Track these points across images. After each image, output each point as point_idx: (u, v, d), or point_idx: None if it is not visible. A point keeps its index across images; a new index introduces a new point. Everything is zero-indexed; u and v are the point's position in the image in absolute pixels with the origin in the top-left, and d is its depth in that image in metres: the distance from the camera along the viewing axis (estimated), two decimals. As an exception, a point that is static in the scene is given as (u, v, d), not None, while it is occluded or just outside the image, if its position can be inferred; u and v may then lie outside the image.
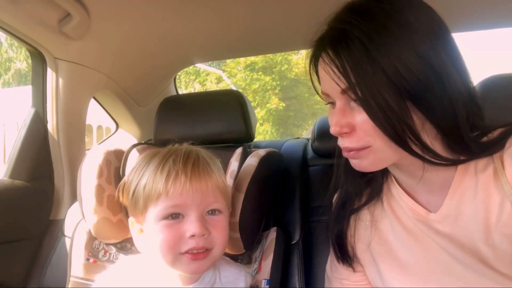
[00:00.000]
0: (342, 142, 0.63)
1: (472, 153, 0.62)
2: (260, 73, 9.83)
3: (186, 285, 0.78)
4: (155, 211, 0.73)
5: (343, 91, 0.60)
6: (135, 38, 1.24)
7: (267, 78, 9.76)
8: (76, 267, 0.95)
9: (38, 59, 1.14)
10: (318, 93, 0.69)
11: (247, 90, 9.92)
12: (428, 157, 0.60)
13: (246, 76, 9.96)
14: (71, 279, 0.94)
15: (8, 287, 1.07)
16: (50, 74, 1.15)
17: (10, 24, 0.98)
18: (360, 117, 0.60)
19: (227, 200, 0.81)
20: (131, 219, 0.80)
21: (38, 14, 0.97)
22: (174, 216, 0.73)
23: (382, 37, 0.57)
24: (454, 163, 0.63)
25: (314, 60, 0.66)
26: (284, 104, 9.83)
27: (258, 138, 8.98)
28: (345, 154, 0.65)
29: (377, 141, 0.60)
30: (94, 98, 1.40)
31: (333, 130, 0.62)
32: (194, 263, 0.72)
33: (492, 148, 0.62)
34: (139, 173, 0.78)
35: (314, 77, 0.69)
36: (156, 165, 0.76)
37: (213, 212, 0.76)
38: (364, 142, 0.61)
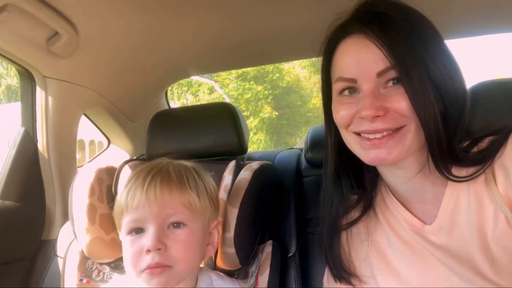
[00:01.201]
0: (374, 125, 0.62)
1: (463, 164, 0.63)
2: (252, 82, 9.87)
3: None
4: (123, 226, 0.75)
5: (380, 73, 0.61)
6: (125, 54, 1.23)
7: (259, 87, 9.80)
8: (70, 288, 0.93)
9: (27, 78, 1.13)
10: (323, 85, 0.71)
11: (239, 100, 9.95)
12: (439, 151, 0.62)
13: (238, 86, 10.00)
14: (65, 300, 0.93)
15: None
16: (40, 92, 1.14)
17: (-2, 45, 0.97)
18: (397, 98, 0.61)
19: (198, 213, 0.77)
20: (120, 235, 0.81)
21: (25, 33, 0.96)
22: (138, 231, 0.73)
23: (418, 26, 0.63)
24: (449, 176, 0.63)
25: (333, 46, 0.67)
26: (277, 113, 9.86)
27: (252, 147, 8.99)
28: (374, 142, 0.63)
29: (412, 121, 0.61)
30: (85, 114, 1.39)
31: (368, 113, 0.61)
32: (153, 279, 0.71)
33: (483, 159, 0.63)
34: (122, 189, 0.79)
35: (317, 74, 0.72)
36: (126, 181, 0.78)
37: (177, 225, 0.74)
38: (399, 121, 0.61)
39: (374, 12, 0.64)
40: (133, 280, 0.77)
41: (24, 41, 0.98)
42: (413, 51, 0.60)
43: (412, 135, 0.62)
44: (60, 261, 1.06)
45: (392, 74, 0.61)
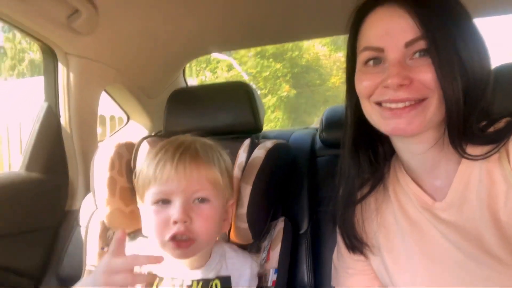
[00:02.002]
0: (398, 95, 0.62)
1: (475, 142, 0.63)
2: (270, 60, 9.75)
3: (192, 270, 0.81)
4: (148, 196, 0.79)
5: (409, 43, 0.61)
6: (143, 31, 1.25)
7: (278, 65, 9.69)
8: (91, 256, 0.98)
9: (49, 54, 1.16)
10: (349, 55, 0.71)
11: (257, 78, 9.87)
12: (457, 128, 0.62)
13: (257, 63, 9.90)
14: (87, 267, 0.98)
15: (28, 275, 1.12)
16: (61, 69, 1.18)
17: (20, 22, 1.00)
18: (421, 71, 0.61)
19: (219, 190, 0.81)
20: (139, 206, 0.86)
21: (47, 11, 0.99)
22: (164, 201, 0.77)
23: (450, 1, 0.63)
24: (463, 154, 0.63)
25: (362, 16, 0.67)
26: (295, 91, 9.76)
27: (269, 125, 8.97)
28: (396, 112, 0.63)
29: (436, 94, 0.61)
30: (105, 91, 1.42)
31: (393, 81, 0.61)
32: (178, 250, 0.76)
33: (498, 138, 0.62)
34: (144, 161, 0.84)
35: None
36: (153, 154, 0.81)
37: (201, 200, 0.78)
38: (422, 93, 0.61)
39: None
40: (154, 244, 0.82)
41: (46, 18, 1.01)
42: (444, 25, 0.60)
43: (433, 108, 0.62)
44: (82, 231, 1.10)
45: (421, 45, 0.61)
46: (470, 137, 0.63)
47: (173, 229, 0.75)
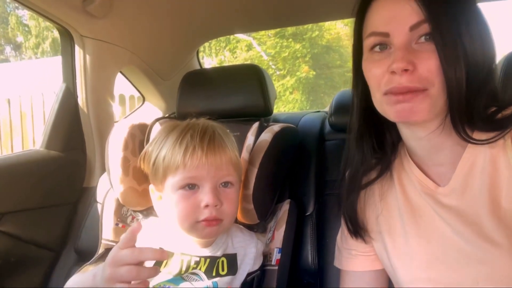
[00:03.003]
0: (400, 81, 0.62)
1: (484, 128, 0.63)
2: (290, 40, 9.58)
3: (201, 248, 0.85)
4: (173, 181, 0.80)
5: (414, 26, 0.61)
6: (157, 13, 1.26)
7: (297, 46, 9.51)
8: (107, 231, 1.02)
9: (66, 37, 1.20)
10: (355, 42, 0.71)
11: (276, 58, 9.75)
12: (458, 113, 0.62)
13: (276, 43, 9.75)
14: (103, 241, 1.03)
15: (48, 248, 1.19)
16: (78, 51, 1.21)
17: (38, 5, 1.04)
18: (425, 57, 0.60)
19: (239, 173, 0.87)
20: (151, 187, 0.88)
21: (63, -6, 1.02)
22: (191, 186, 0.80)
23: None
24: (467, 138, 0.63)
25: (368, 2, 0.67)
26: (314, 72, 9.60)
27: (287, 107, 8.90)
28: (399, 97, 0.63)
29: (436, 85, 0.61)
30: (121, 72, 1.46)
31: (398, 66, 0.61)
32: (207, 229, 0.80)
33: (504, 125, 0.62)
34: (159, 144, 0.84)
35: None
36: (175, 139, 0.82)
37: (225, 184, 0.82)
38: (424, 83, 0.61)
39: None
40: (164, 224, 0.86)
41: (62, 2, 1.04)
42: (447, 8, 0.60)
43: (435, 97, 0.62)
44: (99, 207, 1.14)
45: (425, 28, 0.60)
46: (474, 122, 0.63)
47: (205, 213, 0.78)
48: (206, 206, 0.78)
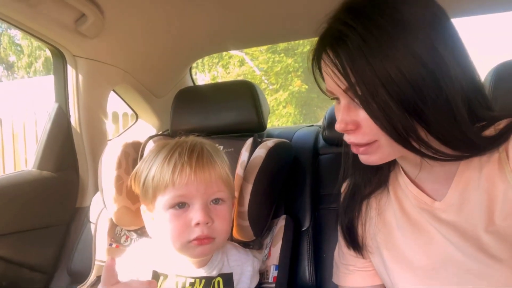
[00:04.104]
0: (348, 138, 0.64)
1: (477, 148, 0.62)
2: (282, 55, 9.69)
3: (196, 268, 0.84)
4: (163, 200, 0.79)
5: (346, 90, 0.61)
6: (149, 33, 1.27)
7: (289, 60, 9.61)
8: (101, 251, 1.01)
9: (59, 57, 1.20)
10: (322, 90, 0.70)
11: (269, 73, 9.83)
12: (431, 154, 0.60)
13: (268, 58, 9.85)
14: (96, 263, 1.01)
15: (40, 270, 1.17)
16: (70, 70, 1.21)
17: (30, 26, 1.04)
18: (364, 115, 0.60)
19: (230, 190, 0.85)
20: (143, 207, 0.86)
21: (55, 15, 1.02)
22: (181, 205, 0.78)
23: (376, 38, 0.56)
24: (457, 158, 0.63)
25: (317, 58, 0.67)
26: (306, 86, 9.67)
27: (281, 121, 8.93)
28: (354, 150, 0.66)
29: (382, 137, 0.61)
30: (114, 91, 1.46)
31: (338, 127, 0.63)
32: (199, 248, 0.78)
33: (498, 141, 0.62)
34: (148, 164, 0.83)
35: (318, 74, 0.69)
36: (163, 157, 0.81)
37: (216, 201, 0.81)
38: (369, 137, 0.62)
39: (333, 29, 0.62)
40: (157, 245, 0.84)
41: (54, 22, 1.04)
42: (368, 72, 0.56)
43: (386, 148, 0.63)
44: (92, 227, 1.13)
45: (352, 94, 0.60)
46: (468, 146, 0.62)
47: (196, 232, 0.76)
48: (197, 224, 0.76)
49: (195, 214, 0.77)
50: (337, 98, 0.66)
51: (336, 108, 0.68)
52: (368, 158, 0.66)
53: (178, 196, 0.78)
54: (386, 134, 0.59)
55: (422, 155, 0.61)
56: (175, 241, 0.78)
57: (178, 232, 0.77)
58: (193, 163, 0.78)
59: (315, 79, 0.70)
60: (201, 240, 0.77)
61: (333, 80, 0.61)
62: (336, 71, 0.59)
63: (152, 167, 0.82)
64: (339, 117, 0.63)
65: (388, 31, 0.56)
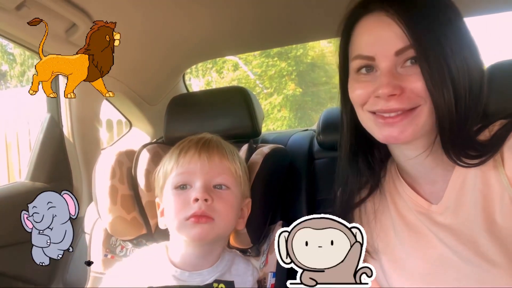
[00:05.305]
0: (390, 105, 0.62)
1: (476, 153, 0.63)
2: (275, 58, 9.71)
3: (197, 270, 0.82)
4: (169, 183, 0.82)
5: (399, 51, 0.61)
6: (142, 40, 1.27)
7: (283, 64, 9.64)
8: (96, 262, 1.00)
9: (50, 67, 1.19)
10: (341, 64, 0.72)
11: (263, 77, 9.85)
12: (449, 135, 0.62)
13: (262, 62, 9.86)
14: (91, 274, 1.00)
15: (36, 283, 1.15)
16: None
17: (20, 37, 1.03)
18: (412, 80, 0.61)
19: (239, 182, 0.85)
20: (157, 200, 0.89)
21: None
22: (183, 186, 0.80)
23: (434, 6, 0.62)
24: (457, 161, 0.63)
25: (353, 23, 0.68)
26: (301, 90, 9.71)
27: (276, 124, 8.94)
28: (389, 121, 0.64)
29: (426, 102, 0.61)
30: (107, 99, 1.45)
31: (386, 91, 0.61)
32: (196, 227, 0.76)
33: (493, 145, 0.63)
34: (165, 159, 0.88)
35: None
36: (175, 148, 0.86)
37: (220, 186, 0.81)
38: (414, 102, 0.62)
39: None
40: (157, 251, 0.84)
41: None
42: (432, 32, 0.60)
43: (425, 116, 0.62)
44: (87, 238, 1.13)
45: (411, 53, 0.61)
46: (464, 143, 0.63)
47: (194, 208, 0.76)
48: (195, 200, 0.77)
49: (194, 191, 0.78)
50: (366, 69, 0.66)
51: (360, 80, 0.67)
52: (401, 134, 0.63)
53: (181, 173, 0.81)
54: (433, 97, 0.60)
55: (445, 131, 0.62)
56: (173, 219, 0.79)
57: (177, 210, 0.78)
58: (199, 145, 0.82)
59: (342, 42, 0.71)
60: (198, 218, 0.76)
61: (389, 38, 0.62)
62: (400, 28, 0.60)
63: (165, 158, 0.87)
64: (383, 81, 0.62)
65: (442, 5, 0.64)
